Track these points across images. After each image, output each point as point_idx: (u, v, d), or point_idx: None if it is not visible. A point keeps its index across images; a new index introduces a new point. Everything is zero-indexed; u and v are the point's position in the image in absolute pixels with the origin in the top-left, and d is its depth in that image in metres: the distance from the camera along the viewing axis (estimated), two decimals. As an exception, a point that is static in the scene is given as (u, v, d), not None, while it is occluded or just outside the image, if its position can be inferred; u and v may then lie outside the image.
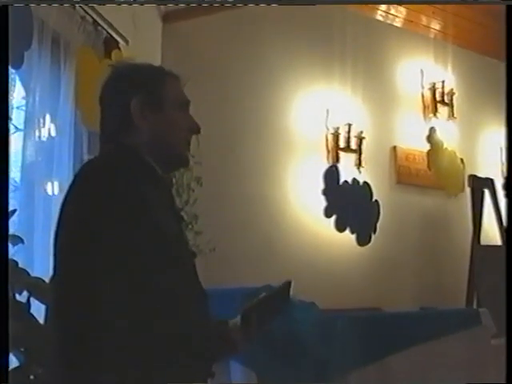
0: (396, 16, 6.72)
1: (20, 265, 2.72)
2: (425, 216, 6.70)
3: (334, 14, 6.07)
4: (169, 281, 1.66)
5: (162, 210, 1.73)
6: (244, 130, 5.61)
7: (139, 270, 1.59)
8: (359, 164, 6.15)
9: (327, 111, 6.06)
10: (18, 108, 3.46)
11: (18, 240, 2.79)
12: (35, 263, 3.21)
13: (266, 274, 4.78)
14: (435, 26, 6.92)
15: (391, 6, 6.51)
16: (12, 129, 3.35)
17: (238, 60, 5.64)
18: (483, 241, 6.41)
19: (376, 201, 6.23)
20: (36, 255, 3.26)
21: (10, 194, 2.52)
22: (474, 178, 6.58)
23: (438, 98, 6.92)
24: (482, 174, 6.79)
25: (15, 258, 2.68)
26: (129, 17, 4.43)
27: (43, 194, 3.46)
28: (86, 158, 3.73)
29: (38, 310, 2.66)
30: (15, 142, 3.33)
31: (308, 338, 3.37)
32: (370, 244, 6.14)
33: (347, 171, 6.08)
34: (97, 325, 1.51)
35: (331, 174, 5.98)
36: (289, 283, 2.06)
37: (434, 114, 6.89)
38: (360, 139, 6.13)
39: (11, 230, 2.55)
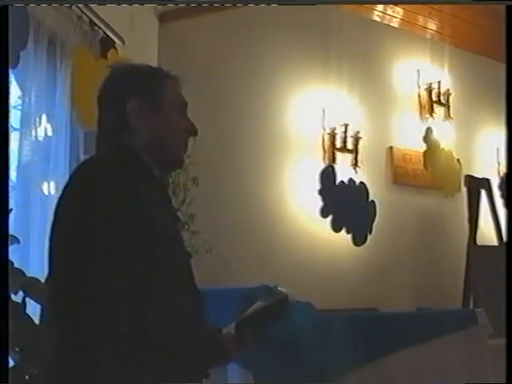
0: (393, 16, 6.73)
1: (16, 265, 2.71)
2: (421, 216, 6.70)
3: (330, 13, 6.07)
4: (164, 281, 1.64)
5: (158, 210, 1.73)
6: (240, 130, 5.60)
7: (135, 270, 1.58)
8: (355, 164, 6.15)
9: (324, 111, 6.07)
10: (14, 107, 3.45)
11: (14, 240, 2.78)
12: (31, 263, 3.20)
13: (263, 274, 4.80)
14: (432, 26, 6.93)
15: (388, 7, 6.51)
16: (8, 128, 3.34)
17: (235, 60, 5.64)
18: (479, 241, 6.41)
19: (372, 201, 6.23)
20: (32, 255, 3.25)
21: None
22: (470, 178, 6.58)
23: (434, 98, 6.92)
24: (478, 174, 6.79)
25: (11, 258, 2.67)
26: (125, 17, 4.43)
27: (39, 193, 3.46)
28: (82, 157, 3.72)
29: (34, 310, 2.66)
30: (11, 141, 3.32)
31: (304, 338, 3.36)
32: (366, 244, 6.14)
33: (343, 171, 6.08)
34: (92, 326, 1.50)
35: (327, 174, 5.98)
36: (286, 297, 2.02)
37: (431, 115, 6.90)
38: (356, 139, 6.13)
39: (7, 230, 2.54)
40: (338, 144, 6.05)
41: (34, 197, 3.40)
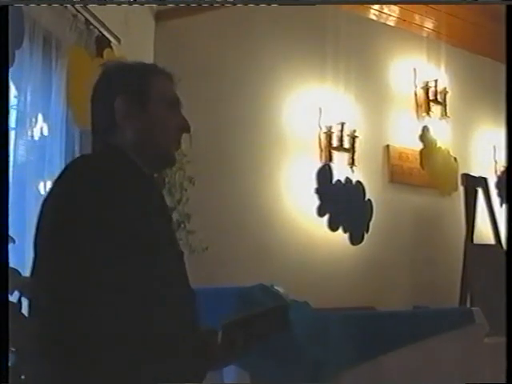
0: (389, 15, 6.73)
1: (11, 264, 2.70)
2: (418, 215, 6.70)
3: (327, 12, 6.06)
4: (154, 280, 1.63)
5: (144, 210, 1.70)
6: (237, 129, 5.60)
7: (122, 268, 1.56)
8: (352, 163, 6.15)
9: (320, 110, 6.07)
10: (9, 107, 3.45)
11: (10, 239, 2.77)
12: (26, 263, 3.19)
13: (259, 273, 4.80)
14: (428, 25, 6.93)
15: (384, 5, 6.51)
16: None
17: (231, 59, 5.64)
18: (476, 240, 6.41)
19: (369, 200, 6.23)
20: (27, 255, 3.24)
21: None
22: (467, 177, 6.58)
23: (431, 96, 6.93)
24: (475, 173, 6.80)
25: (6, 258, 2.67)
26: (121, 16, 4.42)
27: (35, 193, 3.44)
28: (80, 155, 3.71)
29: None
30: (7, 141, 3.31)
31: (301, 337, 3.35)
32: (362, 243, 6.15)
33: (340, 170, 6.08)
34: (81, 325, 1.48)
35: (324, 173, 5.98)
36: (283, 307, 1.93)
37: (427, 113, 6.90)
38: (353, 138, 6.13)
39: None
40: (335, 143, 6.05)
41: (29, 196, 3.38)
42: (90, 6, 3.83)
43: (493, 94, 6.46)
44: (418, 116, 6.89)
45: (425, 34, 7.04)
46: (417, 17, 6.81)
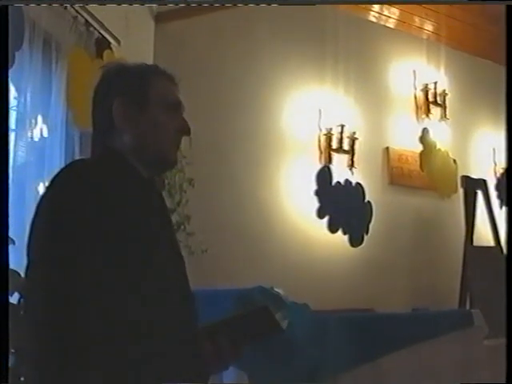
0: (389, 17, 6.73)
1: (11, 266, 2.70)
2: (417, 217, 6.70)
3: (326, 14, 6.07)
4: (154, 282, 1.62)
5: (145, 212, 1.69)
6: (236, 131, 5.59)
7: (122, 270, 1.55)
8: (352, 165, 6.15)
9: (320, 112, 6.07)
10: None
11: (9, 241, 2.77)
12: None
13: (259, 275, 4.79)
14: (428, 27, 6.93)
15: (384, 7, 6.51)
16: (3, 129, 3.33)
17: (231, 60, 5.64)
18: (476, 242, 6.41)
19: (368, 202, 6.23)
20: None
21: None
22: (466, 179, 6.58)
23: (430, 98, 6.93)
24: (474, 175, 6.79)
25: (6, 259, 2.66)
26: (121, 17, 4.42)
27: (34, 194, 3.44)
28: (77, 158, 3.71)
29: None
30: (7, 142, 3.32)
31: (300, 339, 3.35)
32: (362, 245, 6.15)
33: (340, 172, 6.08)
34: (77, 325, 1.47)
35: (324, 175, 5.98)
36: (263, 308, 1.79)
37: (427, 115, 6.90)
38: (352, 140, 6.13)
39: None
40: (335, 145, 6.05)
41: (29, 197, 3.38)
42: (90, 8, 3.83)
43: (492, 96, 6.47)
44: (418, 118, 6.89)
45: (424, 36, 7.04)
46: (416, 19, 6.81)
